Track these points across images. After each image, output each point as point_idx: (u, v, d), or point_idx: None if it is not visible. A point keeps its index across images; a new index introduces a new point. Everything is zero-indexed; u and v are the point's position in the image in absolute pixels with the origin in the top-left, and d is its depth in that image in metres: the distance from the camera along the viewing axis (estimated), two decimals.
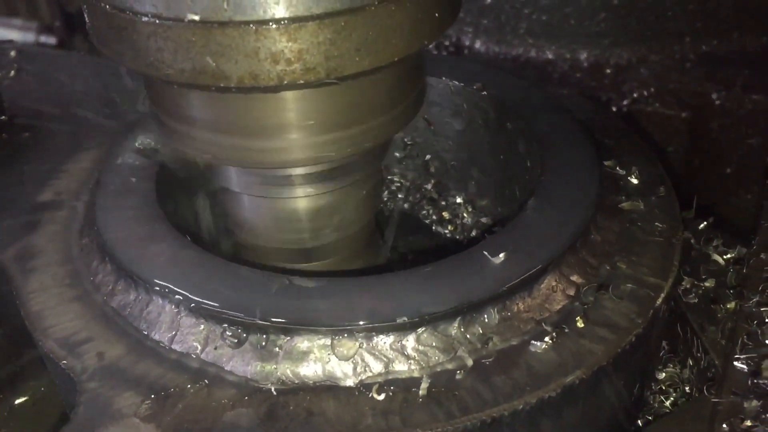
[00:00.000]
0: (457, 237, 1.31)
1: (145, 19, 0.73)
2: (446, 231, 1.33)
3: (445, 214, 1.33)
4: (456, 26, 1.56)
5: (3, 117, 1.24)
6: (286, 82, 0.74)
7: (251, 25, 0.71)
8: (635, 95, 1.45)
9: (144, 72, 0.78)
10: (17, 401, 1.12)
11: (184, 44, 0.73)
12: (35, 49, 1.54)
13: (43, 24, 2.56)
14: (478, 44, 1.55)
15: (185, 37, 0.72)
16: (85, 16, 0.82)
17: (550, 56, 1.52)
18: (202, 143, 0.85)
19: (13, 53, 1.46)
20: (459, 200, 1.33)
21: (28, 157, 1.18)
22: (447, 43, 1.58)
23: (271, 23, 0.71)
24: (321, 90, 0.79)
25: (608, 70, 1.50)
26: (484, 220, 1.29)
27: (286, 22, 0.71)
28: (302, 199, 0.95)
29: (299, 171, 0.92)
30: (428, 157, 1.31)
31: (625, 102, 1.45)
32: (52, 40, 2.52)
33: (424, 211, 1.35)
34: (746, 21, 1.47)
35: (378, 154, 1.00)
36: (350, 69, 0.76)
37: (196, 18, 0.71)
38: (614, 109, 1.45)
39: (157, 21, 0.73)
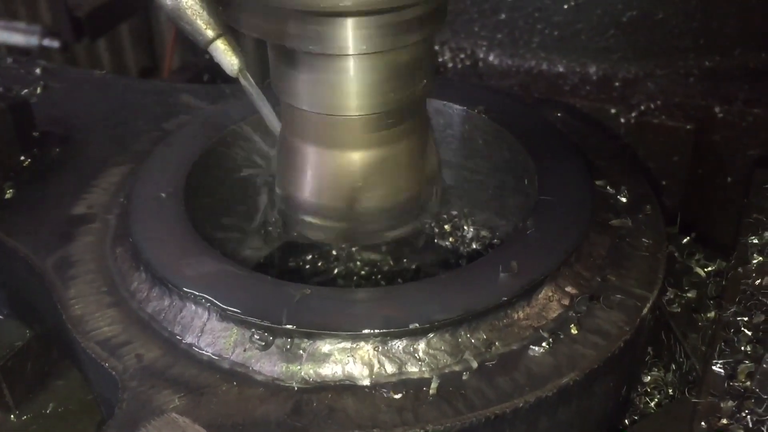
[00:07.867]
0: (459, 249, 1.39)
1: None
2: (447, 243, 1.41)
3: (447, 228, 1.41)
4: (471, 39, 1.65)
5: (35, 133, 1.30)
6: None
7: None
8: (642, 107, 1.51)
9: None
10: (46, 400, 1.19)
11: None
12: (60, 67, 1.60)
13: (46, 28, 2.60)
14: (491, 57, 1.63)
15: None
16: None
17: (561, 69, 1.58)
18: None
19: (38, 71, 1.53)
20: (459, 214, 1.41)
21: (60, 172, 1.25)
22: (462, 56, 1.65)
23: None
24: None
25: (617, 83, 1.56)
26: (484, 233, 1.38)
27: None
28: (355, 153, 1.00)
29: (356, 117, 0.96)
30: None
31: (633, 114, 1.51)
32: (55, 44, 2.56)
33: (427, 224, 1.42)
34: (748, 39, 1.54)
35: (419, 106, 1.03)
36: None
37: None
38: (622, 120, 1.52)
39: None
